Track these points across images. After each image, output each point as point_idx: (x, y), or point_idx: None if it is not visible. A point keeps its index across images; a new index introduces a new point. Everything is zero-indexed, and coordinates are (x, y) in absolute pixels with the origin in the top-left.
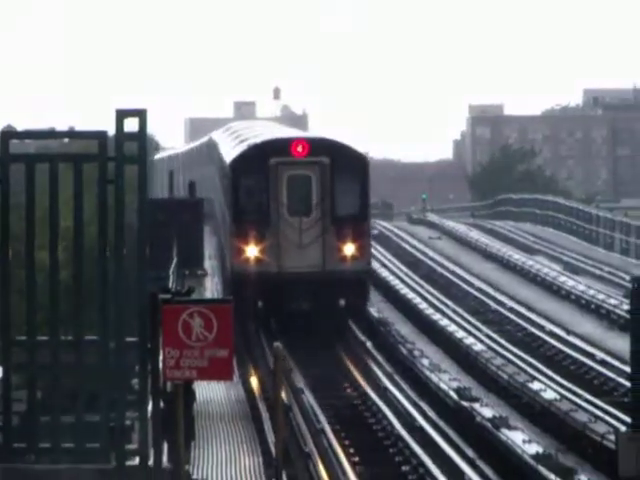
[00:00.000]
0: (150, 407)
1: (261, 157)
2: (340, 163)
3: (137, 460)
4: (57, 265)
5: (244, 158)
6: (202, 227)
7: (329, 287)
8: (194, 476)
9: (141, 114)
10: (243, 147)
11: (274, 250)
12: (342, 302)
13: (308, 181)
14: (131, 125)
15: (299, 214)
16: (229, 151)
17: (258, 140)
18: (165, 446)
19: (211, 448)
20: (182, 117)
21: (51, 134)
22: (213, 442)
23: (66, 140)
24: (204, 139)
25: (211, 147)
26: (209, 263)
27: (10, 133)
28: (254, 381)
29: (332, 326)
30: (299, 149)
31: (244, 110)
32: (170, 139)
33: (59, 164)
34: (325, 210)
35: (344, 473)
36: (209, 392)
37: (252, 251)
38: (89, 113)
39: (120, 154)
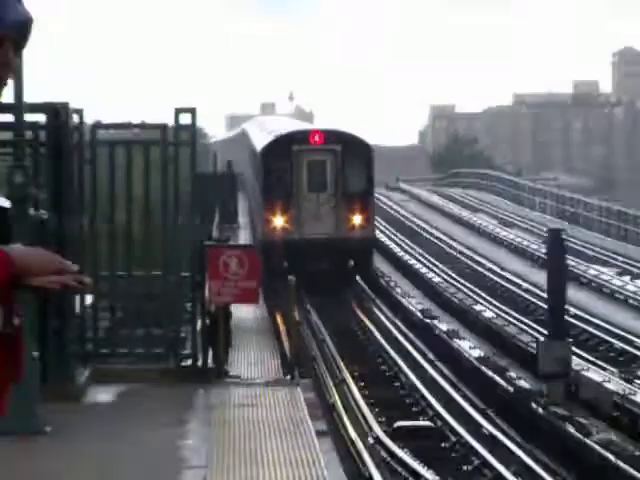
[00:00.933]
0: (199, 323)
1: (286, 145)
2: (349, 150)
3: (189, 362)
4: (131, 221)
5: (272, 146)
6: (237, 194)
7: (340, 250)
8: (231, 373)
9: (192, 111)
10: (270, 137)
11: (296, 220)
12: (351, 263)
13: (324, 164)
14: (185, 119)
15: (316, 191)
16: (260, 140)
17: (283, 132)
18: (210, 352)
19: (243, 353)
20: (223, 113)
21: (127, 125)
22: (245, 349)
23: (136, 130)
24: (239, 129)
25: (245, 136)
26: (241, 220)
27: (98, 125)
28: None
29: (342, 281)
30: (316, 138)
31: (267, 109)
32: (214, 130)
33: (133, 147)
34: (337, 188)
35: (339, 370)
36: (242, 313)
37: (279, 221)
38: (150, 110)
39: (177, 140)
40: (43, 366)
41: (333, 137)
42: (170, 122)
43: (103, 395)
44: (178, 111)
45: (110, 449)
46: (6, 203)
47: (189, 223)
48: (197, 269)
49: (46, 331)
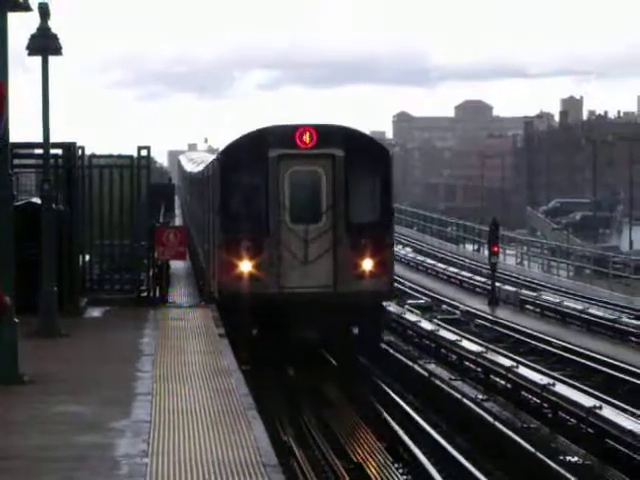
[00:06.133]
0: (151, 271)
1: (258, 149)
2: (357, 156)
3: (145, 294)
4: (112, 212)
5: (236, 149)
6: (174, 197)
7: (340, 312)
8: (169, 300)
9: (148, 148)
10: (235, 137)
11: (273, 266)
12: (355, 330)
13: (316, 179)
14: (143, 152)
15: (305, 221)
16: (196, 160)
17: (254, 128)
18: (157, 288)
19: (177, 289)
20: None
21: (109, 156)
22: (178, 286)
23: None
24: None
25: (181, 164)
26: (177, 212)
27: (92, 155)
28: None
29: (341, 357)
30: (306, 138)
31: (192, 147)
32: (160, 159)
33: (113, 170)
34: (338, 215)
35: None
36: (177, 265)
37: (246, 266)
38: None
39: (139, 165)
40: (60, 297)
41: (332, 136)
42: (134, 153)
43: (95, 313)
44: (139, 148)
45: (99, 343)
46: (38, 201)
47: (146, 213)
48: (150, 240)
49: (62, 276)
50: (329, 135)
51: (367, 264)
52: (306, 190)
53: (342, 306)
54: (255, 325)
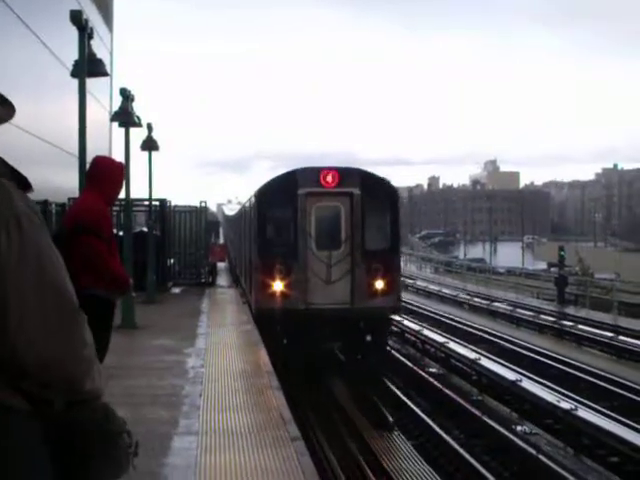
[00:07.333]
0: (207, 268)
1: (289, 187)
2: (372, 194)
3: (203, 280)
4: (185, 238)
5: (271, 187)
6: (219, 228)
7: (358, 324)
8: (217, 284)
9: (205, 202)
10: (269, 178)
11: (301, 285)
12: (368, 338)
13: (337, 213)
14: (204, 204)
15: (328, 248)
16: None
17: (284, 171)
18: (210, 277)
19: (220, 278)
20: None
21: (184, 206)
22: (221, 277)
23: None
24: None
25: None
26: (221, 238)
27: (175, 205)
28: None
29: (357, 361)
30: (329, 179)
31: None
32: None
33: (187, 213)
34: (355, 243)
35: None
36: (220, 265)
37: (277, 286)
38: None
39: (200, 211)
40: (157, 281)
41: (350, 177)
42: (197, 204)
43: (176, 290)
44: (200, 201)
45: (178, 306)
46: (145, 230)
47: (204, 236)
48: (206, 250)
49: (158, 270)
50: (348, 176)
51: (379, 284)
52: (329, 222)
53: (358, 319)
54: (286, 335)
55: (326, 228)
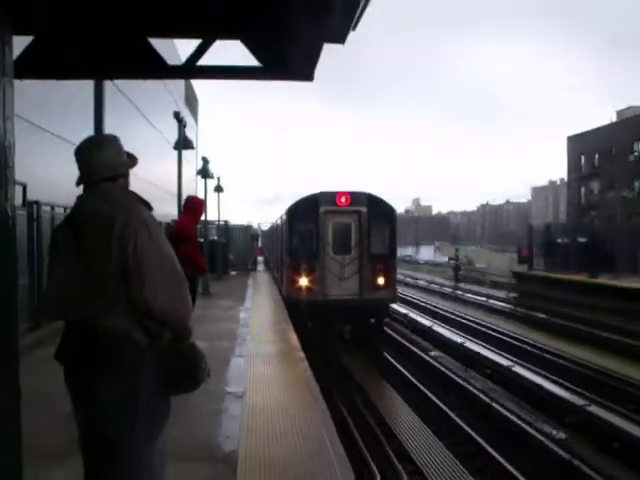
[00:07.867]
0: (251, 260)
1: (313, 206)
2: (375, 211)
3: (249, 268)
4: (239, 243)
5: (299, 206)
6: (259, 238)
7: (363, 312)
8: (257, 269)
9: (251, 222)
10: (297, 199)
11: (320, 281)
12: (372, 321)
13: (349, 226)
14: (249, 223)
15: (341, 253)
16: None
17: (309, 194)
18: (253, 266)
19: (260, 266)
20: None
21: (238, 224)
22: (259, 266)
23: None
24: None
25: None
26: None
27: (232, 224)
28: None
29: (362, 339)
30: (342, 200)
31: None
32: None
33: (239, 229)
34: (362, 249)
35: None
36: (259, 258)
37: (303, 281)
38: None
39: (247, 228)
40: (222, 268)
41: (359, 199)
42: (245, 223)
43: (233, 274)
44: (247, 221)
45: (234, 282)
46: (216, 238)
47: (250, 243)
48: (251, 250)
49: (223, 261)
50: (358, 198)
51: (380, 280)
52: (342, 233)
53: (365, 307)
54: (309, 320)
55: (340, 237)
